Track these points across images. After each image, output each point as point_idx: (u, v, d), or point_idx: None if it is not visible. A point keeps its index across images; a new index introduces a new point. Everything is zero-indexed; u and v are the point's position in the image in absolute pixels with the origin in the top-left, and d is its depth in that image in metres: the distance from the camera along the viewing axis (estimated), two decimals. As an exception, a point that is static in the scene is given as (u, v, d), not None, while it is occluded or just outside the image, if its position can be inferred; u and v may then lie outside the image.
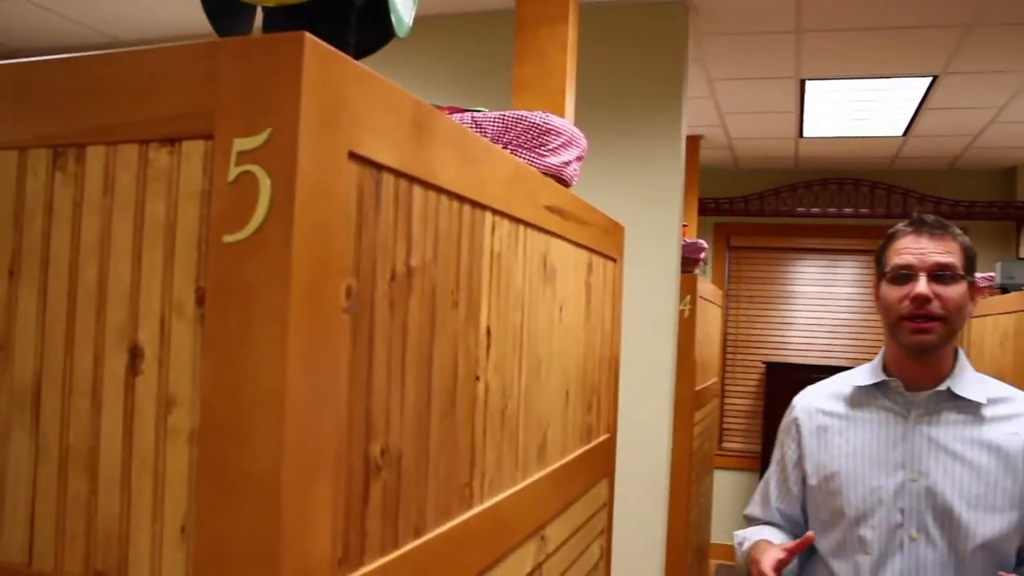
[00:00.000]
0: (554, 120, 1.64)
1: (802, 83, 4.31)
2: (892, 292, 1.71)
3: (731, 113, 4.96)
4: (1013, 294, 4.45)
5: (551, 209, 1.48)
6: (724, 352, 6.56)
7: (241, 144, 0.76)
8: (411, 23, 1.15)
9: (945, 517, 1.65)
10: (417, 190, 0.98)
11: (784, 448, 1.90)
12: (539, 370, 1.45)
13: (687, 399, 3.82)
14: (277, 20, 1.07)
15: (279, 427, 0.74)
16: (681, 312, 3.64)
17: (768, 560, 1.66)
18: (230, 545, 0.76)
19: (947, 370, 1.72)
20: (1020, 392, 1.74)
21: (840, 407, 1.83)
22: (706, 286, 4.38)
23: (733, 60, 4.02)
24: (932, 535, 1.66)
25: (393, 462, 0.95)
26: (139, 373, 0.81)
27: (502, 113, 1.61)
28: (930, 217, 1.76)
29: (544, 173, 1.60)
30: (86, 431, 0.82)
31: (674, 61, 3.31)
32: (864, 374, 1.83)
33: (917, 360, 1.71)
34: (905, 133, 5.28)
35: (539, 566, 1.50)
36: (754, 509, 1.97)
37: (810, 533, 1.67)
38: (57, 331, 0.85)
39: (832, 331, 6.43)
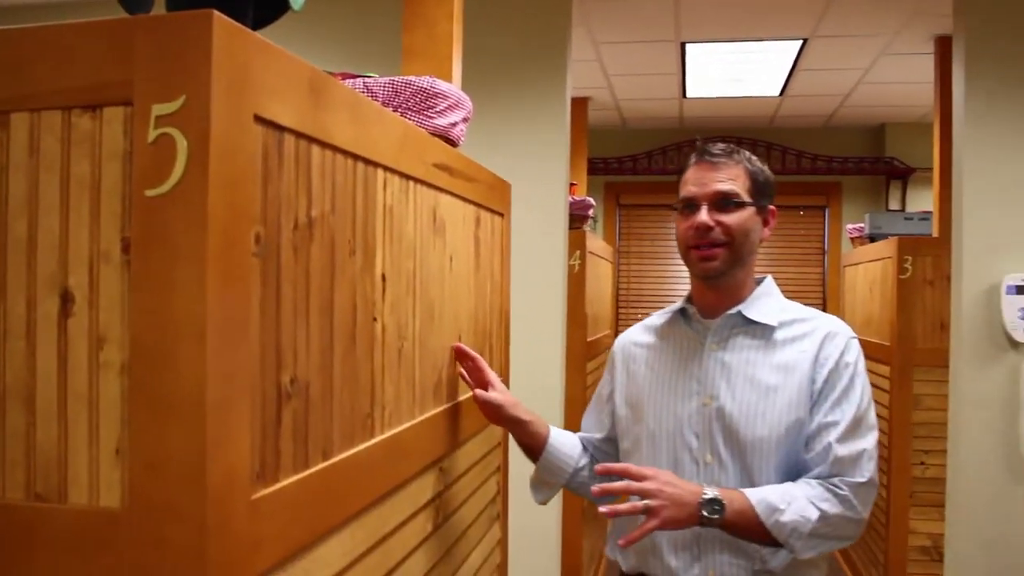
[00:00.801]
0: (440, 84, 1.76)
1: (682, 46, 4.51)
2: (681, 223, 1.74)
3: (617, 75, 5.14)
4: (880, 243, 4.75)
5: (439, 167, 1.61)
6: (616, 305, 6.80)
7: (159, 109, 0.86)
8: (304, -4, 1.25)
9: (735, 440, 1.67)
10: (315, 149, 1.09)
11: (601, 383, 1.97)
12: (432, 314, 1.58)
13: (579, 349, 4.01)
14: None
15: (201, 357, 0.86)
16: (571, 267, 3.81)
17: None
18: (161, 462, 0.87)
19: (743, 296, 1.75)
20: (818, 313, 1.78)
21: (649, 338, 1.87)
22: (596, 242, 4.57)
23: (616, 24, 4.19)
24: (724, 459, 1.67)
25: (301, 391, 1.07)
26: (71, 315, 0.91)
27: (392, 78, 1.72)
28: (717, 145, 1.76)
29: (432, 133, 1.72)
30: (22, 369, 0.92)
31: (558, 25, 3.45)
32: (674, 306, 1.87)
33: (710, 287, 1.75)
34: (781, 93, 5.56)
35: (439, 495, 1.64)
36: (585, 419, 2.03)
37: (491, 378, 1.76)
38: (-10, 281, 0.94)
39: (718, 284, 6.73)
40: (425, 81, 1.73)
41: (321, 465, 1.12)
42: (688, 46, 4.51)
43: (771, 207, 1.79)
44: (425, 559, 1.56)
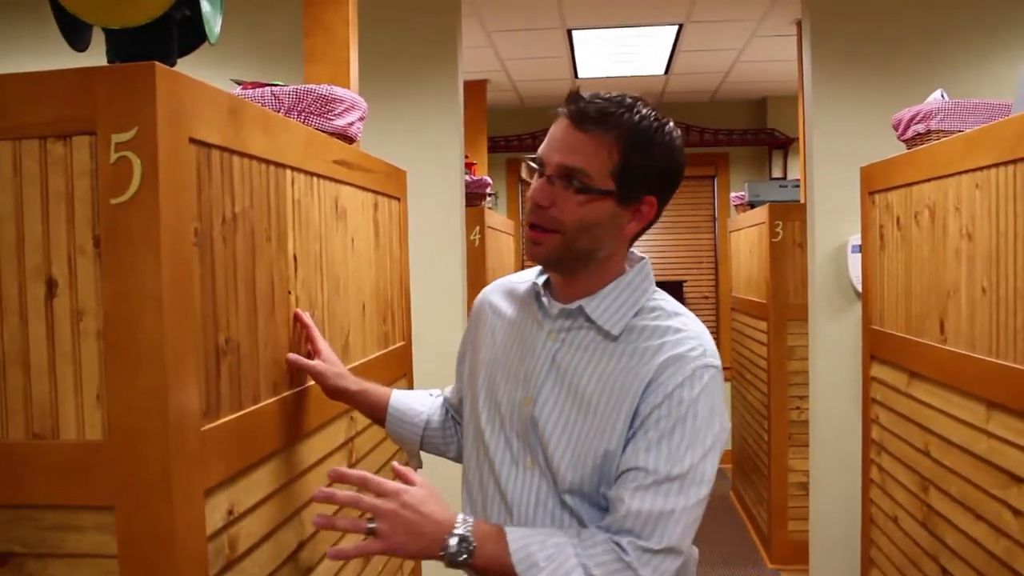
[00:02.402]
0: (337, 90, 2.05)
1: (569, 32, 4.84)
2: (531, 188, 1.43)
3: (511, 59, 5.45)
4: (757, 209, 5.17)
5: (338, 162, 1.90)
6: (523, 278, 7.13)
7: (117, 137, 1.15)
8: (219, 31, 1.53)
9: (545, 452, 1.40)
10: (235, 159, 1.39)
11: (462, 340, 1.72)
12: (338, 287, 1.88)
13: (483, 318, 4.33)
14: (117, 36, 1.42)
15: (159, 323, 1.15)
16: (472, 241, 4.13)
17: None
18: (132, 403, 1.16)
19: (596, 287, 1.43)
20: (686, 326, 1.42)
21: (506, 305, 1.58)
22: (496, 218, 4.90)
23: (504, 14, 4.50)
24: (542, 467, 1.41)
25: (234, 348, 1.37)
26: (55, 296, 1.19)
27: (295, 87, 2.01)
28: (598, 100, 1.37)
29: (332, 134, 2.01)
30: (17, 338, 1.20)
31: (448, 17, 3.74)
32: (536, 271, 1.54)
33: (553, 272, 1.49)
34: (666, 72, 5.94)
35: (351, 439, 1.95)
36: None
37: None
38: (-14, 272, 1.21)
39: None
40: (324, 89, 2.02)
41: (252, 407, 1.42)
42: (574, 32, 4.85)
43: (648, 197, 1.40)
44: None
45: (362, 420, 2.02)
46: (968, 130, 2.21)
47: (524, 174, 1.49)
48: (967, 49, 3.52)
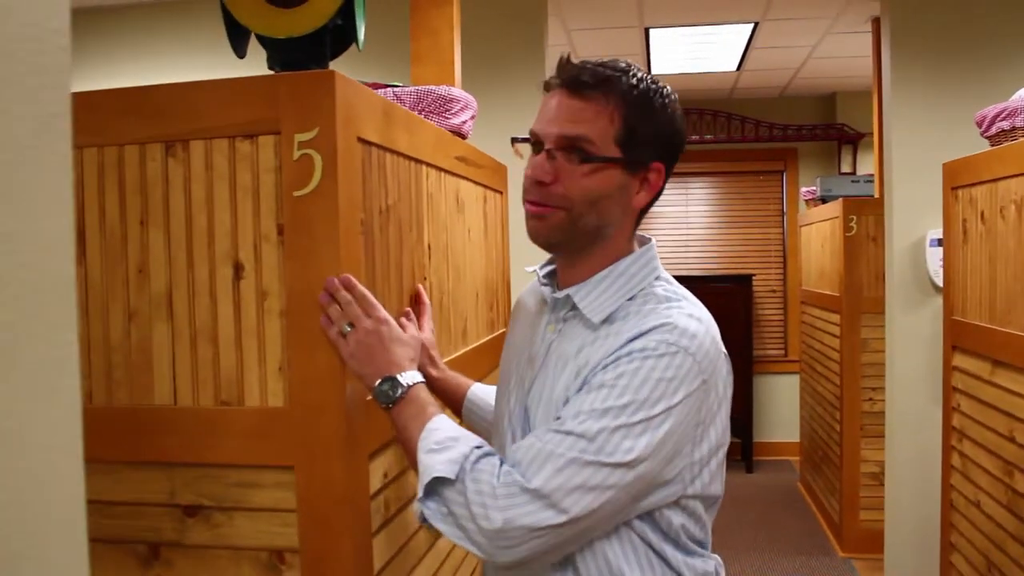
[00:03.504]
0: (454, 91, 2.19)
1: (646, 31, 4.94)
2: (527, 165, 1.35)
3: (588, 57, 5.56)
4: (830, 204, 5.22)
5: (459, 159, 2.04)
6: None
7: (300, 137, 1.30)
8: (364, 37, 1.67)
9: None
10: (388, 156, 1.53)
11: None
12: (459, 275, 2.02)
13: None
14: (279, 45, 1.57)
15: (335, 302, 1.30)
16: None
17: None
18: (311, 376, 1.31)
19: (596, 270, 1.35)
20: (669, 313, 1.27)
21: (531, 301, 1.53)
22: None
23: (585, 14, 4.61)
24: None
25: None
26: (242, 278, 1.34)
27: (416, 88, 2.14)
28: (590, 65, 1.30)
29: (449, 131, 2.15)
30: (208, 316, 1.35)
31: (535, 19, 3.86)
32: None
33: (557, 255, 1.42)
34: (738, 68, 6.00)
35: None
36: None
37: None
38: (180, 258, 1.36)
39: (686, 246, 7.23)
40: (443, 89, 2.16)
41: (399, 382, 1.56)
42: (652, 31, 4.94)
43: (656, 163, 1.32)
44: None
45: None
46: (1058, 127, 2.27)
47: (518, 154, 1.39)
48: (1049, 45, 3.56)
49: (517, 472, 1.18)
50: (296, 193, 1.30)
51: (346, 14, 1.56)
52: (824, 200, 5.49)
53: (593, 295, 1.33)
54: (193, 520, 1.37)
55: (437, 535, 1.76)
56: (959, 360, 2.81)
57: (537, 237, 1.34)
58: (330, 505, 1.32)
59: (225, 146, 1.34)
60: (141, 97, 1.37)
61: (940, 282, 3.49)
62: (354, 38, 1.60)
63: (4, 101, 0.51)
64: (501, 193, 2.58)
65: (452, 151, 1.97)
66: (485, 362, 2.26)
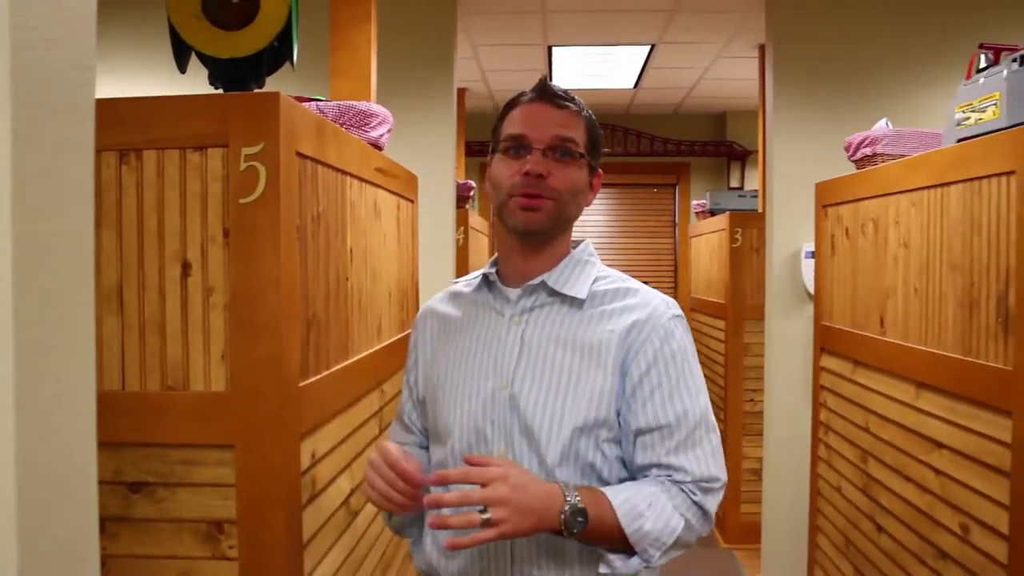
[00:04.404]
0: (374, 107, 2.36)
1: (549, 49, 5.18)
2: (504, 167, 1.47)
3: (491, 71, 5.78)
4: (718, 216, 5.54)
5: (377, 170, 2.22)
6: (492, 276, 7.45)
7: (247, 150, 1.46)
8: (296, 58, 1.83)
9: (528, 429, 1.41)
10: (320, 168, 1.70)
11: (407, 369, 1.65)
12: (376, 277, 2.20)
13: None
14: (220, 63, 1.72)
15: (276, 299, 1.46)
16: (457, 240, 4.44)
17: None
18: (251, 363, 1.47)
19: (554, 262, 1.51)
20: (641, 287, 1.52)
21: (452, 309, 1.59)
22: (475, 218, 5.22)
23: (491, 32, 4.82)
24: (519, 450, 1.42)
25: (317, 323, 1.68)
26: (189, 276, 1.49)
27: (338, 103, 2.31)
28: (557, 86, 1.52)
29: (369, 143, 2.32)
30: (156, 310, 1.50)
31: (445, 35, 4.05)
32: (480, 270, 1.59)
33: (524, 247, 1.50)
34: (635, 86, 6.31)
35: (380, 409, 2.26)
36: (394, 434, 1.66)
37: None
38: (130, 256, 1.51)
39: (583, 254, 7.50)
40: (363, 105, 2.33)
41: (325, 372, 1.74)
42: (554, 49, 5.19)
43: (599, 170, 1.56)
44: (375, 452, 2.18)
45: (388, 394, 2.34)
46: (907, 156, 2.58)
47: (498, 163, 1.53)
48: (909, 81, 3.92)
49: (702, 483, 1.42)
50: (241, 200, 1.46)
51: (283, 37, 1.73)
52: (713, 213, 5.81)
53: (571, 279, 1.50)
54: (138, 496, 1.51)
55: (357, 511, 1.93)
56: (826, 361, 3.11)
57: (531, 225, 1.46)
58: (266, 480, 1.48)
59: (176, 156, 1.50)
60: (99, 108, 1.50)
61: (813, 291, 3.81)
62: (289, 57, 1.76)
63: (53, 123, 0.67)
64: (412, 202, 2.76)
65: (372, 163, 2.15)
66: (395, 359, 2.44)
